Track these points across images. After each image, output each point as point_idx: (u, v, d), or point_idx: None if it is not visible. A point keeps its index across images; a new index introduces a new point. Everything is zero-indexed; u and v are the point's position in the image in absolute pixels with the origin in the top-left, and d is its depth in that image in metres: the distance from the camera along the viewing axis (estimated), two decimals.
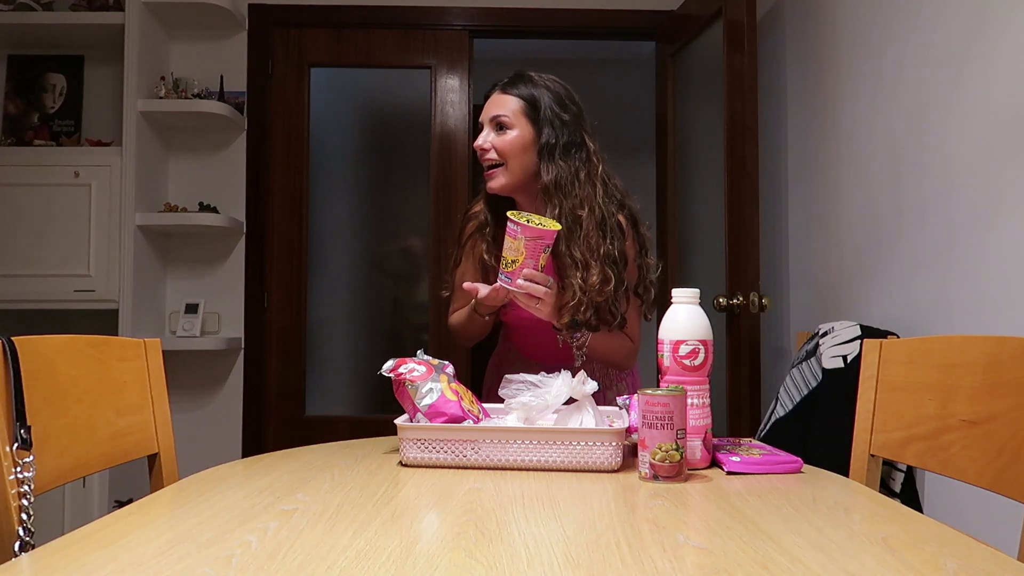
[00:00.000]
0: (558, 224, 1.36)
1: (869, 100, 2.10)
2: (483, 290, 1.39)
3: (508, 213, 1.33)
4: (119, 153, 2.80)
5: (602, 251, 1.41)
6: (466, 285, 1.42)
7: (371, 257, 3.33)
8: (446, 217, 3.15)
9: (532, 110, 1.45)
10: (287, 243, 3.15)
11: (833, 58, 2.32)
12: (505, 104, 1.45)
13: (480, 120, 1.50)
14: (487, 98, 1.50)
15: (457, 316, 1.60)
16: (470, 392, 1.29)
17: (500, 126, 1.45)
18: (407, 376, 1.19)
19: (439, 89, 3.20)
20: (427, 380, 1.19)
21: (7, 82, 3.01)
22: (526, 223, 1.30)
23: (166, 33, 3.09)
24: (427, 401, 1.17)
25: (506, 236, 1.33)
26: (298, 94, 3.18)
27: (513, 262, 1.33)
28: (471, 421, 1.17)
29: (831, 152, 2.33)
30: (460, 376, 1.32)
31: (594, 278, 1.39)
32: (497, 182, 1.46)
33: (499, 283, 1.35)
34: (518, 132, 1.44)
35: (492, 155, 1.46)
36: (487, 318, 1.50)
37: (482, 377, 1.78)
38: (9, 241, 2.75)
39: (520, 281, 1.32)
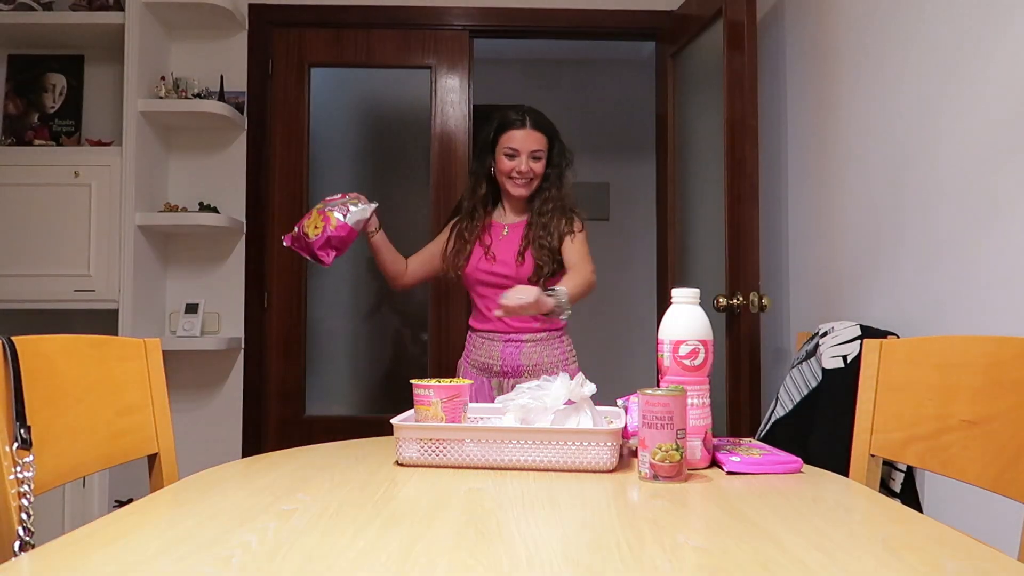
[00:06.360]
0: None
1: (869, 100, 2.10)
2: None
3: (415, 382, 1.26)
4: (119, 153, 2.79)
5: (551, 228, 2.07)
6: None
7: (370, 257, 3.32)
8: (446, 217, 3.14)
9: (550, 145, 2.10)
10: None
11: (833, 58, 2.32)
12: (540, 141, 2.07)
13: (514, 148, 2.05)
14: (515, 127, 2.05)
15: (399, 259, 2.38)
16: (336, 214, 1.99)
17: (535, 156, 2.06)
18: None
19: (439, 89, 3.20)
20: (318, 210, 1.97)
21: (7, 82, 3.01)
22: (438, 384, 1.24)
23: (166, 33, 3.09)
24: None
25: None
26: (298, 94, 3.17)
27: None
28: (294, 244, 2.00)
29: (831, 152, 2.33)
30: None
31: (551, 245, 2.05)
32: (528, 190, 2.09)
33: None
34: (544, 161, 2.09)
35: (531, 175, 2.07)
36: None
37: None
38: (9, 241, 2.74)
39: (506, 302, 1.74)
